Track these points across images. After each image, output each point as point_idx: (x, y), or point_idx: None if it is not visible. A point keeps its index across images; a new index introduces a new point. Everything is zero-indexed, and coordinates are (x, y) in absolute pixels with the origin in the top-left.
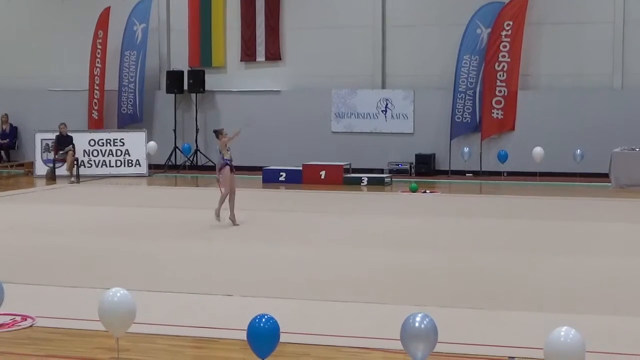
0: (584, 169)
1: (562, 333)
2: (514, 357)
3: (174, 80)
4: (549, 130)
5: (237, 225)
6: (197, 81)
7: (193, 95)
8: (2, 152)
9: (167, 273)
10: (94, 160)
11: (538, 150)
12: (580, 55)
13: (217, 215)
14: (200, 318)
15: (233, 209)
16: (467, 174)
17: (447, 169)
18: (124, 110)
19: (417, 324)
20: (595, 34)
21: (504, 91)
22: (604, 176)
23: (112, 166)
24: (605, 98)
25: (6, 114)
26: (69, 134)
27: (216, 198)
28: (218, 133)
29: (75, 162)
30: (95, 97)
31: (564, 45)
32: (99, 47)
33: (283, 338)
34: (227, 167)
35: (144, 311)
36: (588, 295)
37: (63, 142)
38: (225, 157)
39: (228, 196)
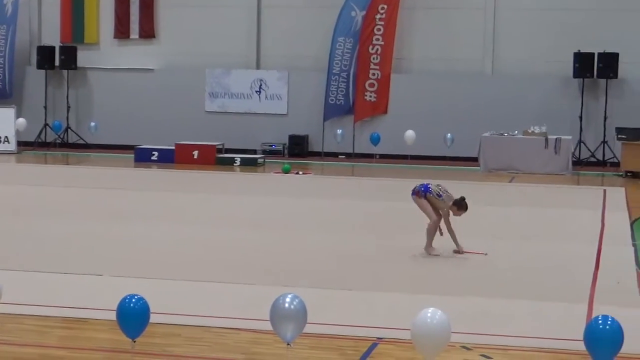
0: (454, 152)
1: (429, 314)
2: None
3: (44, 56)
4: (420, 113)
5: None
6: (69, 57)
7: (65, 72)
8: None
9: (35, 252)
10: None
11: (410, 133)
12: (451, 40)
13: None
14: (70, 298)
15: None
16: (339, 156)
17: (320, 150)
18: None
19: (286, 305)
20: (467, 20)
21: (378, 74)
22: (474, 160)
23: None
24: (476, 83)
25: None
26: None
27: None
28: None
29: None
30: None
31: (436, 30)
32: None
33: (154, 318)
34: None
35: (11, 291)
36: (456, 277)
37: None
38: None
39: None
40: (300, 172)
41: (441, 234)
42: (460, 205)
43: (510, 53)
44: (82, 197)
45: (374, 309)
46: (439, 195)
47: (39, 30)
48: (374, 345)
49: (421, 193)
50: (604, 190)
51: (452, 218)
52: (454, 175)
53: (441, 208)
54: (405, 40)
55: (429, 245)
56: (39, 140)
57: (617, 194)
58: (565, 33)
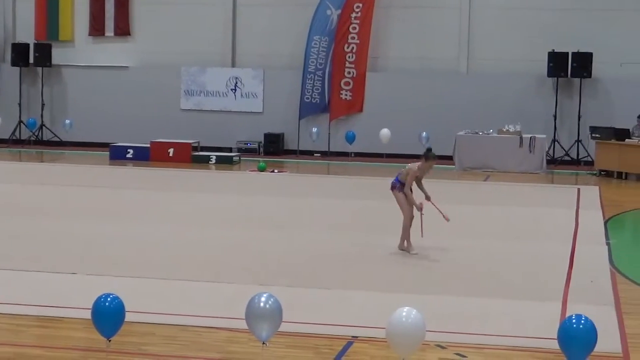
0: None
1: (404, 313)
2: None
3: (19, 53)
4: (396, 112)
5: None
6: (44, 55)
7: (39, 69)
8: None
9: (8, 249)
10: None
11: (385, 131)
12: (427, 40)
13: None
14: (44, 296)
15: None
16: (315, 154)
17: (296, 148)
18: None
19: (261, 304)
20: (442, 19)
21: (353, 73)
22: (449, 158)
23: None
24: (451, 82)
25: None
26: None
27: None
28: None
29: None
30: None
31: (411, 29)
32: None
33: (130, 317)
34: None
35: None
36: (431, 276)
37: None
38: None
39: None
40: (276, 170)
41: (421, 235)
42: (427, 155)
43: (485, 52)
44: (56, 194)
45: (349, 308)
46: (404, 167)
47: (14, 27)
48: (349, 343)
49: (396, 185)
50: (578, 189)
51: (445, 220)
52: (429, 174)
53: (411, 169)
54: (381, 39)
55: (408, 243)
56: (14, 138)
57: (591, 193)
58: (540, 33)
